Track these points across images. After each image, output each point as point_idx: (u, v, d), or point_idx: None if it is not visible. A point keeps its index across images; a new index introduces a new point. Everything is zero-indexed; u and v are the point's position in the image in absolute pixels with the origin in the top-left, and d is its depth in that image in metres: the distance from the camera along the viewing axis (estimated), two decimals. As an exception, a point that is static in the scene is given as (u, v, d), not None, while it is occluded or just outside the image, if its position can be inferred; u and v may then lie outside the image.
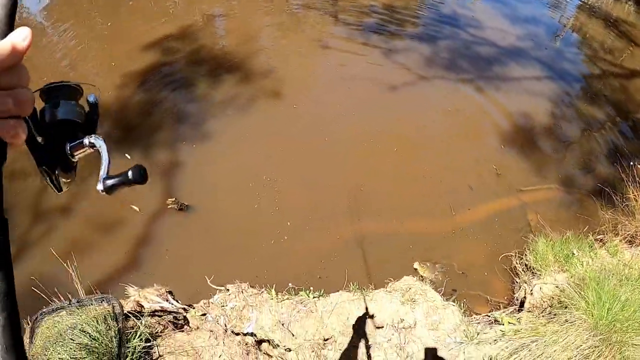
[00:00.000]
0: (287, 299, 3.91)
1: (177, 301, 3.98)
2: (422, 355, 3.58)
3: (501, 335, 3.76)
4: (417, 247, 4.84)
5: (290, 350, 3.58)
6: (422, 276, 4.44)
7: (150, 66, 6.57)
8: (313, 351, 3.50)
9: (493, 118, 6.39)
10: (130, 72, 6.42)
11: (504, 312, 4.36)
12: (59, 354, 3.03)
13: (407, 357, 3.53)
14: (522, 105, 6.66)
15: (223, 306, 3.91)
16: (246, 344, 3.36)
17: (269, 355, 3.50)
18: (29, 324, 3.37)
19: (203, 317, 3.84)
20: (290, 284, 4.27)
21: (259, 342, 3.55)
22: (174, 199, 4.90)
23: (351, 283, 4.12)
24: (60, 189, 0.99)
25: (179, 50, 7.01)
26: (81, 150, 0.95)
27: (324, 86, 6.59)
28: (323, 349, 3.57)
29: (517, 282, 4.68)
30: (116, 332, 3.30)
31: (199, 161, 5.40)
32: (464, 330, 3.78)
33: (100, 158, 0.94)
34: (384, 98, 6.51)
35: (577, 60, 7.99)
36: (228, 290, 4.03)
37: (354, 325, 3.65)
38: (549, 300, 4.20)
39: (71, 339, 3.14)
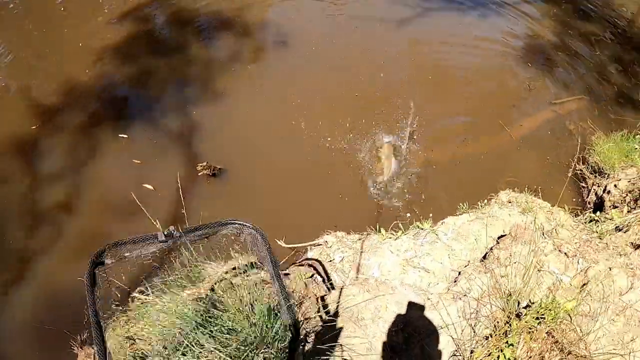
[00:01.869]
0: (400, 236, 3.38)
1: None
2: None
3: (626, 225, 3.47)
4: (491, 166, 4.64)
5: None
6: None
7: (128, 37, 5.63)
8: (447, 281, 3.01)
9: (507, 41, 6.18)
10: (104, 46, 5.47)
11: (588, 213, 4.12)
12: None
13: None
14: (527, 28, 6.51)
15: (330, 261, 3.31)
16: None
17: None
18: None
19: (311, 279, 3.22)
20: (396, 221, 3.75)
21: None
22: (204, 164, 4.23)
23: (460, 204, 3.68)
24: None
25: (157, 15, 6.13)
26: None
27: (330, 30, 5.99)
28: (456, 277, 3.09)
29: (584, 187, 4.49)
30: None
31: (216, 122, 4.78)
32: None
33: None
34: (401, 32, 6.11)
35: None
36: (327, 242, 3.42)
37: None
38: (629, 194, 4.04)
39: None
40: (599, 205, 4.27)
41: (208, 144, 4.55)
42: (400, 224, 3.64)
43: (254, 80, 5.20)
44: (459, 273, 3.10)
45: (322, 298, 2.88)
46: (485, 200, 3.82)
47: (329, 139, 4.63)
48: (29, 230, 4.10)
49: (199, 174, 4.20)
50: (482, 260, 3.10)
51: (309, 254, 3.44)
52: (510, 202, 3.63)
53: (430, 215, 3.72)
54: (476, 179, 4.44)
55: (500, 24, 6.42)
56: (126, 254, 2.06)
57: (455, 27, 6.27)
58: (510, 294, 2.62)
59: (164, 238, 2.05)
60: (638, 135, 4.51)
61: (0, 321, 3.62)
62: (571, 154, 4.64)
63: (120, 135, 4.52)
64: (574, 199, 4.50)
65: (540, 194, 4.04)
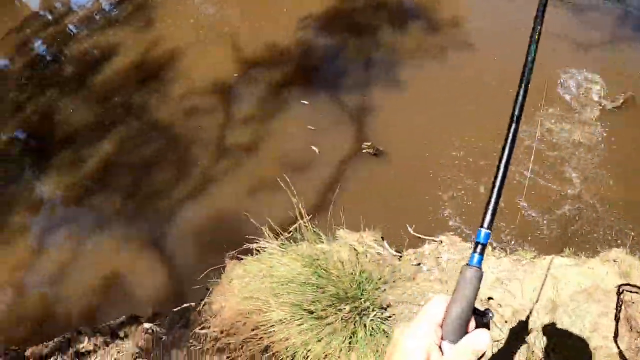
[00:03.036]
0: (505, 256, 3.78)
1: (389, 247, 3.93)
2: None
3: None
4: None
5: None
6: None
7: (329, 10, 6.33)
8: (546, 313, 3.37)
9: None
10: (307, 15, 6.24)
11: None
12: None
13: None
14: None
15: (438, 257, 3.84)
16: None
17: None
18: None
19: (418, 267, 3.78)
20: (505, 239, 4.14)
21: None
22: (370, 144, 4.85)
23: (568, 247, 3.95)
24: None
25: None
26: None
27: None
28: (548, 313, 3.44)
29: None
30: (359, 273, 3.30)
31: (390, 107, 5.27)
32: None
33: None
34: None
35: None
36: (441, 241, 3.94)
37: (576, 293, 3.49)
38: None
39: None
40: None
41: (377, 125, 5.13)
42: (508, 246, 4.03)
43: (435, 79, 5.59)
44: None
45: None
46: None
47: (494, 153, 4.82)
48: (214, 158, 5.09)
49: (363, 150, 4.85)
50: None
51: (425, 247, 3.99)
52: (615, 261, 3.80)
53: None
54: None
55: None
56: None
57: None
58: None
59: None
60: None
61: (176, 224, 4.70)
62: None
63: (302, 101, 5.27)
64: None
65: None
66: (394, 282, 3.58)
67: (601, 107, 5.07)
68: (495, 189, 0.98)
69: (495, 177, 0.98)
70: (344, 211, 4.50)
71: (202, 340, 3.75)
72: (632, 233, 4.27)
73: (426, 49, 5.83)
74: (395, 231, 4.25)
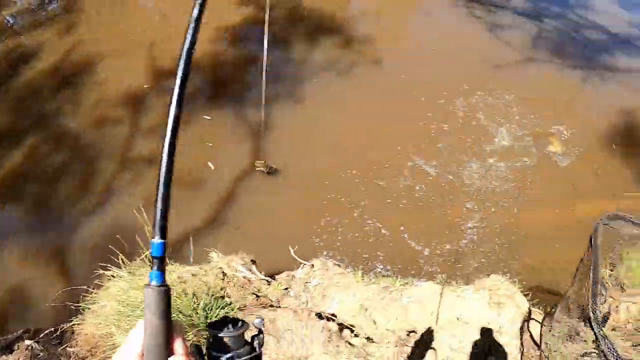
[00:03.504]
0: (373, 283, 3.67)
1: (260, 272, 3.80)
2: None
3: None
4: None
5: (371, 339, 3.36)
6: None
7: (246, 20, 6.22)
8: (396, 345, 3.26)
9: (597, 112, 5.82)
10: (224, 25, 6.12)
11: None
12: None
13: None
14: (627, 101, 6.01)
15: (307, 282, 3.72)
16: (329, 330, 3.14)
17: (350, 344, 3.28)
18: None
19: (285, 292, 3.65)
20: (379, 267, 4.02)
21: (341, 329, 3.31)
22: (263, 162, 4.69)
23: (439, 275, 3.84)
24: None
25: (277, 6, 6.64)
26: None
27: (427, 57, 6.06)
28: (405, 344, 3.33)
29: (602, 294, 4.28)
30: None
31: (292, 124, 5.21)
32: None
33: None
34: (489, 76, 6.02)
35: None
36: (313, 266, 3.81)
37: (437, 321, 3.37)
38: (635, 321, 3.83)
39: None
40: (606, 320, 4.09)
41: (276, 142, 4.99)
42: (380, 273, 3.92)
43: (339, 94, 5.52)
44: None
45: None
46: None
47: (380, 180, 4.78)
48: (118, 170, 4.89)
49: (256, 169, 4.69)
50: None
51: (299, 271, 3.86)
52: (491, 290, 3.70)
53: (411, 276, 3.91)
54: (491, 251, 4.40)
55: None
56: None
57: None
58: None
59: None
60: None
61: (78, 237, 4.49)
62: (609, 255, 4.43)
63: (204, 116, 5.13)
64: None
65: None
66: (254, 307, 3.46)
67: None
68: (160, 192, 0.87)
69: (159, 179, 0.87)
70: (228, 231, 4.40)
71: (71, 358, 3.61)
72: (514, 262, 4.21)
73: (335, 65, 5.75)
74: (277, 253, 4.12)
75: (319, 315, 3.33)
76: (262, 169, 4.63)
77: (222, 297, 3.48)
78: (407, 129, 5.11)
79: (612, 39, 6.94)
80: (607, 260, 4.37)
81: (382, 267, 4.05)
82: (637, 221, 2.59)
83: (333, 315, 3.53)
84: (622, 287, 4.20)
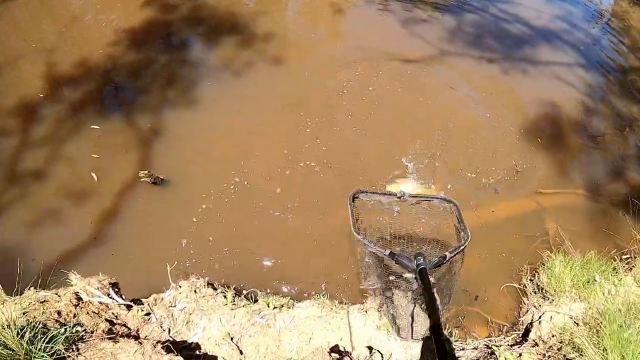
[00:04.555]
0: (243, 306, 3.12)
1: (120, 296, 3.23)
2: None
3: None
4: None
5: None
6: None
7: (147, 23, 5.71)
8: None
9: (517, 104, 5.38)
10: (125, 28, 5.61)
11: (504, 339, 3.49)
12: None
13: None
14: (549, 93, 5.60)
15: (171, 306, 3.15)
16: (176, 366, 2.58)
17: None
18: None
19: (146, 318, 3.09)
20: (252, 287, 3.46)
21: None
22: (147, 172, 4.15)
23: (321, 293, 3.28)
24: None
25: (178, 8, 6.12)
26: None
27: (332, 58, 5.59)
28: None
29: (525, 303, 3.79)
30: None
31: (183, 131, 4.68)
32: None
33: None
34: (399, 72, 5.51)
35: (616, 49, 6.72)
36: (180, 287, 3.25)
37: (316, 350, 2.80)
38: (559, 334, 3.32)
39: None
40: (528, 333, 3.59)
41: (166, 151, 4.46)
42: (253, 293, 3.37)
43: (235, 97, 5.00)
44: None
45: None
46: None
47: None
48: (3, 185, 4.30)
49: (141, 180, 4.17)
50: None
51: (166, 293, 3.29)
52: (367, 312, 3.16)
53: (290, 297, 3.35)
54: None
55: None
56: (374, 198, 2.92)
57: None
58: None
59: (399, 196, 2.83)
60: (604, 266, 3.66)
61: None
62: (531, 258, 3.96)
63: (93, 125, 4.61)
64: (509, 313, 3.82)
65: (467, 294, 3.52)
66: (98, 338, 2.87)
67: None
68: None
69: None
70: (101, 249, 3.85)
71: None
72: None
73: (232, 65, 5.22)
74: (152, 274, 3.56)
75: (168, 348, 2.76)
76: (146, 179, 4.11)
77: (75, 325, 2.91)
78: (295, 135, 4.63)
79: (534, 32, 6.57)
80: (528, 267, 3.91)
81: (253, 287, 3.47)
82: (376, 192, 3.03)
83: (197, 346, 2.98)
84: (544, 295, 3.70)
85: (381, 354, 2.87)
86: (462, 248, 2.63)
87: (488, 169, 4.59)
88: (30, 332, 2.53)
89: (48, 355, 2.49)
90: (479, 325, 3.69)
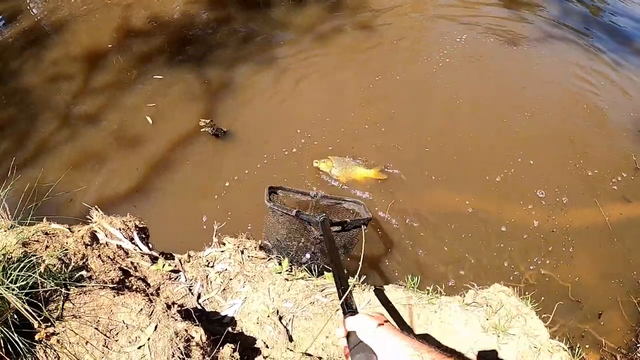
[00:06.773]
0: (302, 278, 2.18)
1: (147, 244, 2.38)
2: None
3: None
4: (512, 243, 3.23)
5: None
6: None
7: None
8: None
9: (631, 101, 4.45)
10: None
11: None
12: None
13: None
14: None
15: (208, 266, 2.27)
16: (187, 340, 1.67)
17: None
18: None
19: (173, 275, 2.22)
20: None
21: (223, 342, 1.82)
22: (209, 121, 3.56)
23: (408, 276, 2.25)
24: None
25: None
26: None
27: (429, 31, 4.89)
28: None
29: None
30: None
31: (252, 89, 4.12)
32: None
33: None
34: (502, 53, 4.75)
35: None
36: (224, 244, 2.38)
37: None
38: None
39: None
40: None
41: (233, 106, 3.96)
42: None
43: (312, 63, 4.40)
44: None
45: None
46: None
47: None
48: (57, 126, 3.90)
49: (201, 129, 3.50)
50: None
51: (206, 251, 2.43)
52: (489, 306, 2.10)
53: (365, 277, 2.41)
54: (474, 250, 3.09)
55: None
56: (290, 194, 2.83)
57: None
58: None
59: (312, 195, 2.76)
60: None
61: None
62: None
63: (155, 76, 4.13)
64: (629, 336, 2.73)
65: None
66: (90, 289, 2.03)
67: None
68: None
69: None
70: (144, 195, 3.20)
71: None
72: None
73: (317, 29, 4.64)
74: (195, 229, 2.79)
75: (187, 314, 1.87)
76: (207, 129, 3.46)
77: (79, 268, 2.09)
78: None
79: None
80: None
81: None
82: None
83: (231, 320, 2.07)
84: None
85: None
86: (363, 222, 2.59)
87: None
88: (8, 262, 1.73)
89: (18, 288, 1.65)
90: (591, 347, 2.79)
